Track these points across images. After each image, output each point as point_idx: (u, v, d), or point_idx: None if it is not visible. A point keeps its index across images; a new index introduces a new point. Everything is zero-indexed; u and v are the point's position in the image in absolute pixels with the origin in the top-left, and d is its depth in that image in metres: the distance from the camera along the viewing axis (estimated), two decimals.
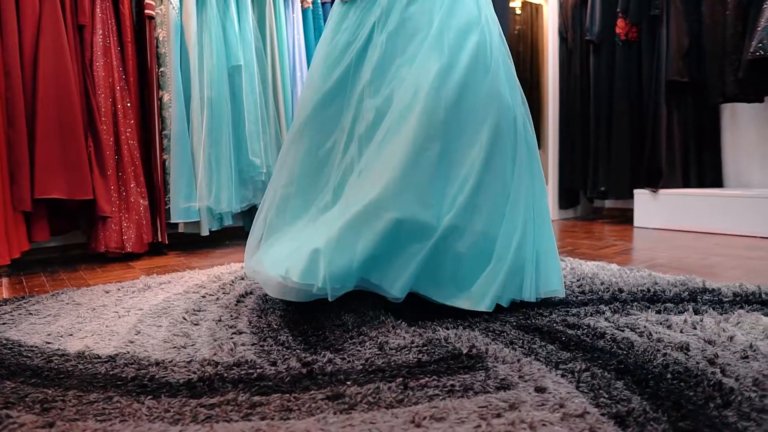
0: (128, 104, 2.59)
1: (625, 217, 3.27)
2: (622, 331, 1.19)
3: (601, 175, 3.32)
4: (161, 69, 2.71)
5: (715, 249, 2.45)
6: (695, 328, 1.21)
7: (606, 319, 1.30)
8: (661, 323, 1.27)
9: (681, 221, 2.97)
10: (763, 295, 1.51)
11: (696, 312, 1.36)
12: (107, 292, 1.69)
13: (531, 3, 4.63)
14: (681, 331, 1.20)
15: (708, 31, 2.92)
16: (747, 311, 1.34)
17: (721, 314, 1.33)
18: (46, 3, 2.28)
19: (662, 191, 3.06)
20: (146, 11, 2.60)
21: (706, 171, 3.16)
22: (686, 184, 3.14)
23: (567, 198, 3.60)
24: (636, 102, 3.21)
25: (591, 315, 1.33)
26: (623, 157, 3.23)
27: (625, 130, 3.22)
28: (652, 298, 1.49)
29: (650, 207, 3.09)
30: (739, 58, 2.77)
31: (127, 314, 1.41)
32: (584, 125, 3.42)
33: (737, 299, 1.48)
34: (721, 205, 2.82)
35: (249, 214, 2.99)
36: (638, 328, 1.20)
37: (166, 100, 2.71)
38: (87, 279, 2.10)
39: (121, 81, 2.58)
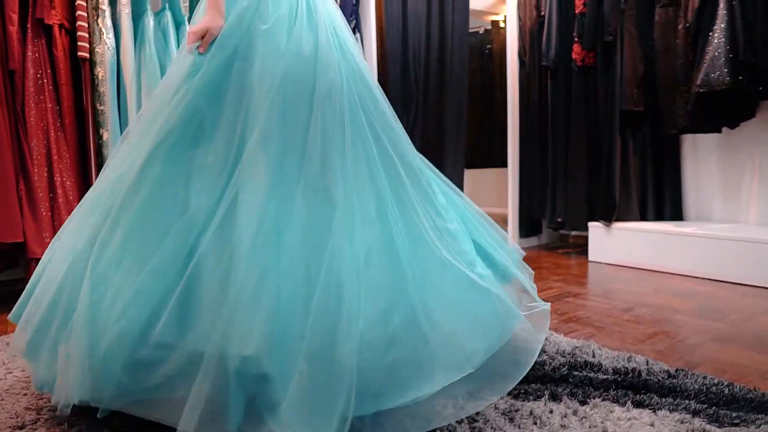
0: (64, 145, 2.63)
1: (587, 248, 3.16)
2: None
3: (559, 204, 3.22)
4: (101, 108, 2.73)
5: (645, 297, 2.35)
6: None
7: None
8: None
9: (635, 258, 2.85)
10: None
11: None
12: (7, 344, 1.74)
13: (498, 22, 4.53)
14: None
15: (660, 58, 2.79)
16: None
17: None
18: None
19: (617, 225, 2.95)
20: (79, 53, 2.62)
21: (665, 203, 3.02)
22: (643, 217, 3.01)
23: (529, 226, 3.50)
24: (593, 130, 3.09)
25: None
26: (580, 187, 3.12)
27: (582, 159, 3.11)
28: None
29: (605, 241, 2.98)
30: (689, 90, 2.63)
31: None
32: (543, 152, 3.32)
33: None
34: (674, 242, 2.70)
35: None
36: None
37: (106, 138, 2.73)
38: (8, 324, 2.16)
39: (56, 122, 2.61)
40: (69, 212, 2.60)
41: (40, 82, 2.57)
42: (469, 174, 4.67)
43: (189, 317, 1.13)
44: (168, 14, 2.87)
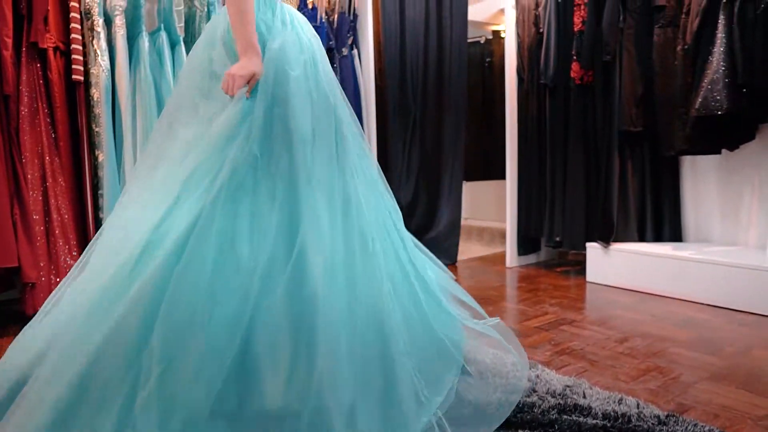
0: (59, 168, 2.62)
1: (585, 267, 3.13)
2: None
3: (557, 223, 3.20)
4: (96, 129, 2.72)
5: (641, 325, 2.33)
6: None
7: None
8: None
9: (633, 280, 2.83)
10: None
11: None
12: None
13: (499, 32, 4.50)
14: None
15: (659, 79, 2.76)
16: None
17: None
18: None
19: (615, 246, 2.92)
20: (73, 76, 2.61)
21: (663, 223, 3.00)
22: (642, 237, 2.98)
23: (527, 244, 3.48)
24: (591, 149, 3.07)
25: None
26: (578, 206, 3.09)
27: (580, 178, 3.08)
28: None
29: (603, 262, 2.96)
30: (687, 112, 2.60)
31: None
32: (541, 170, 3.29)
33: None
34: (672, 266, 2.68)
35: None
36: None
37: (101, 159, 2.73)
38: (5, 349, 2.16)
39: (51, 146, 2.61)
40: (64, 236, 2.61)
41: (34, 105, 2.57)
42: (468, 186, 4.66)
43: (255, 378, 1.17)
44: (163, 34, 2.87)
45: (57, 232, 2.58)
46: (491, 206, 4.61)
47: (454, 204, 3.66)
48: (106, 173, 2.70)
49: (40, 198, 2.56)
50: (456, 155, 3.66)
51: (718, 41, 2.47)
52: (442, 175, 3.66)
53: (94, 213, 2.71)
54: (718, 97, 2.44)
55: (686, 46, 2.60)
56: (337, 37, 3.39)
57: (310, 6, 3.27)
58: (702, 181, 2.95)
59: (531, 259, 3.55)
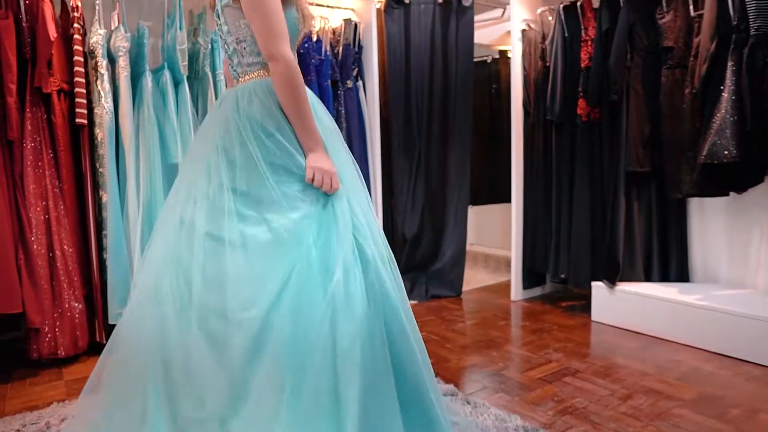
0: (63, 211, 2.63)
1: (590, 303, 3.11)
2: None
3: (562, 260, 3.17)
4: (101, 170, 2.73)
5: (646, 379, 2.30)
6: None
7: None
8: None
9: (639, 323, 2.81)
10: None
11: None
12: None
13: (506, 52, 4.45)
14: None
15: (666, 121, 2.72)
16: None
17: None
18: None
19: (620, 286, 2.89)
20: (77, 120, 2.61)
21: (670, 263, 2.96)
22: (648, 277, 2.95)
23: (532, 277, 3.46)
24: (597, 186, 3.04)
25: None
26: (584, 243, 3.06)
27: (586, 215, 3.05)
28: None
29: (608, 301, 2.93)
30: (695, 157, 2.57)
31: None
32: (547, 204, 3.27)
33: None
34: (679, 311, 2.65)
35: None
36: None
37: (105, 200, 2.73)
38: (8, 398, 2.19)
39: (55, 189, 2.61)
40: (69, 278, 2.60)
41: (38, 149, 2.57)
42: (474, 211, 4.63)
43: None
44: (167, 73, 2.87)
45: (62, 275, 2.59)
46: (497, 232, 4.58)
47: (459, 235, 3.64)
48: (110, 214, 2.71)
49: (45, 242, 2.57)
50: (461, 187, 3.64)
51: (727, 87, 2.43)
52: (447, 206, 3.64)
53: (98, 254, 2.72)
54: (727, 145, 2.40)
55: (694, 90, 2.57)
56: (342, 69, 3.38)
57: (314, 39, 3.26)
58: (710, 221, 2.92)
59: (536, 291, 3.52)
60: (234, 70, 1.50)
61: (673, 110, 2.70)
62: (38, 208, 2.56)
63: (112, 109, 2.71)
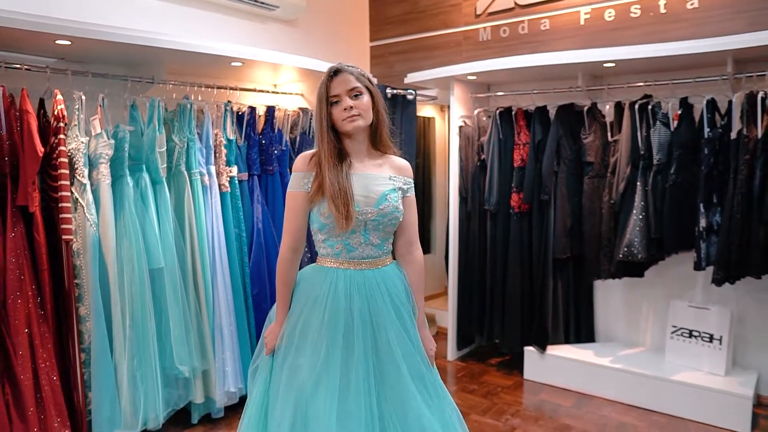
0: (47, 333, 2.45)
1: (519, 359, 3.69)
2: None
3: (495, 328, 3.72)
4: (76, 281, 2.58)
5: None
6: None
7: None
8: None
9: (565, 381, 3.45)
10: None
11: None
12: None
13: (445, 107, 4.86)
14: None
15: (587, 220, 3.39)
16: None
17: None
18: None
19: (549, 349, 3.52)
20: (64, 237, 2.46)
21: (581, 326, 3.68)
22: (567, 339, 3.63)
23: (464, 340, 3.97)
24: (527, 267, 3.63)
25: None
26: (515, 314, 3.64)
27: (518, 292, 3.63)
28: None
29: (539, 362, 3.54)
30: (612, 251, 3.26)
31: None
32: (481, 281, 3.79)
33: None
34: (594, 372, 3.33)
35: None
36: None
37: (83, 313, 2.59)
38: None
39: (38, 311, 2.44)
40: (56, 408, 2.44)
41: (20, 273, 2.37)
42: None
43: None
44: (146, 175, 2.79)
45: (50, 405, 2.42)
46: (429, 282, 5.01)
47: None
48: (93, 330, 2.58)
49: (30, 369, 2.37)
50: None
51: (636, 202, 3.15)
52: None
53: (82, 372, 2.57)
54: (638, 248, 3.11)
55: (612, 201, 3.26)
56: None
57: (275, 130, 3.36)
58: (611, 294, 3.68)
59: (466, 350, 4.04)
60: None
61: (592, 211, 3.37)
62: (22, 335, 2.37)
63: (96, 221, 2.59)
